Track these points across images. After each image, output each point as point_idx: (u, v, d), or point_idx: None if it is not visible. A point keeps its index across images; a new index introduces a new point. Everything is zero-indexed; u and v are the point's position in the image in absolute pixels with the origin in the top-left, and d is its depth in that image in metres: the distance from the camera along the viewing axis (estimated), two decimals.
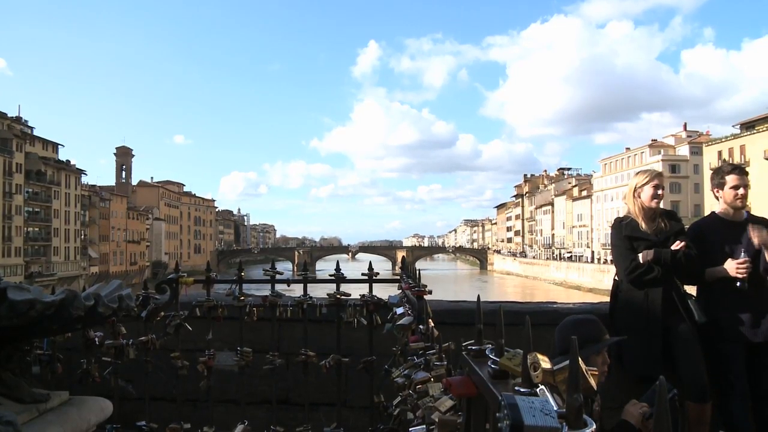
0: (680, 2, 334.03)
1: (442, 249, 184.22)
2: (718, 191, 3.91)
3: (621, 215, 4.01)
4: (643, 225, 3.82)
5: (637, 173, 4.02)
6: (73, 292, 2.22)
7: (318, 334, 3.52)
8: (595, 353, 2.72)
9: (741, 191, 3.82)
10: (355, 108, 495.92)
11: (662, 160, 78.71)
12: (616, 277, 3.91)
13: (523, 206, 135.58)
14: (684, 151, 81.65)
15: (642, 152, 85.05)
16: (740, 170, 3.94)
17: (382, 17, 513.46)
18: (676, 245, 3.67)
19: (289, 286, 3.63)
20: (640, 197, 3.86)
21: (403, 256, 4.46)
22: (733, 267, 3.65)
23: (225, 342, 3.43)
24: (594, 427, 1.00)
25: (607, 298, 4.02)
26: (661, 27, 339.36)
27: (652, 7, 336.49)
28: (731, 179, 3.84)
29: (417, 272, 3.13)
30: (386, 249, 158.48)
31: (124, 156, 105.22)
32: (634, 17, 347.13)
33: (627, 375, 3.78)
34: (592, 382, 1.25)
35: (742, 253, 3.66)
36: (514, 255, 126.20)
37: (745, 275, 3.62)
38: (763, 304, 3.71)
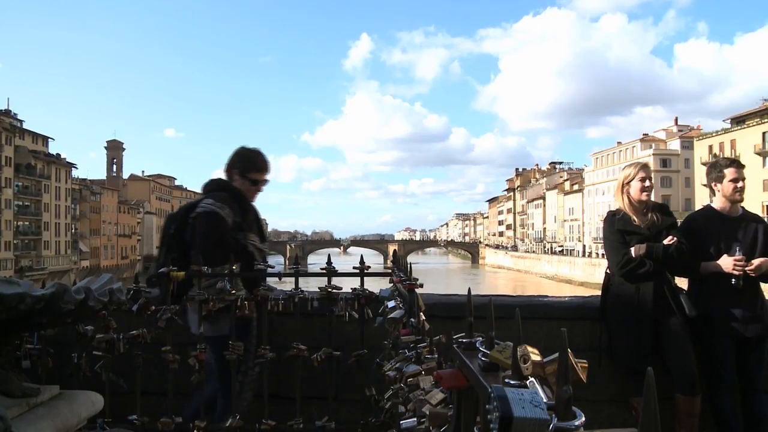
0: None
1: (433, 243, 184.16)
2: (716, 185, 3.91)
3: (614, 209, 4.02)
4: (635, 219, 3.84)
5: (624, 168, 4.04)
6: (64, 285, 2.20)
7: (309, 328, 3.52)
8: None
9: (740, 184, 3.84)
10: (347, 101, 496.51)
11: (653, 154, 79.00)
12: (608, 271, 3.92)
13: (514, 200, 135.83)
14: (675, 145, 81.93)
15: (633, 146, 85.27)
16: (738, 163, 3.96)
17: (374, 10, 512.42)
18: (668, 240, 3.68)
19: (280, 279, 3.63)
20: (629, 192, 3.87)
21: (395, 250, 4.46)
22: (730, 263, 3.65)
23: None
24: (583, 419, 1.01)
25: (599, 292, 4.04)
26: (655, 21, 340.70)
27: (646, 1, 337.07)
28: (730, 172, 3.85)
29: (408, 266, 3.13)
30: (378, 243, 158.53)
31: (114, 149, 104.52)
32: (628, 11, 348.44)
33: (617, 368, 3.81)
34: (582, 375, 1.25)
35: (738, 250, 3.67)
36: (505, 249, 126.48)
37: (741, 272, 3.64)
38: (755, 299, 3.73)
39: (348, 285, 3.39)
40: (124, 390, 3.21)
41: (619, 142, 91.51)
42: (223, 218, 3.53)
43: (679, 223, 3.95)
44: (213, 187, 3.76)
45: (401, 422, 1.83)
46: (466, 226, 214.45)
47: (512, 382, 1.18)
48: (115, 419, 3.21)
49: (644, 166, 3.94)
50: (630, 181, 3.88)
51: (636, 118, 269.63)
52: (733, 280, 3.65)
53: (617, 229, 3.84)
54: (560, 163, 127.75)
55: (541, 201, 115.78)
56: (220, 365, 3.37)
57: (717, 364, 3.67)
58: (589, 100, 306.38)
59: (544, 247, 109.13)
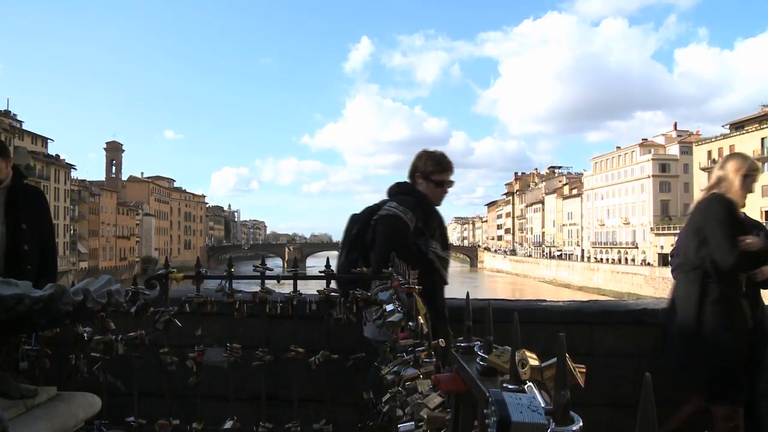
0: (675, 1, 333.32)
1: None
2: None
3: (719, 193, 3.68)
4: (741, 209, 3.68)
5: (748, 159, 3.75)
6: (62, 287, 2.20)
7: (307, 331, 3.52)
8: None
9: None
10: (347, 104, 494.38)
11: (652, 159, 79.18)
12: (705, 263, 3.59)
13: (513, 204, 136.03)
14: (674, 150, 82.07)
15: (632, 151, 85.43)
16: None
17: (375, 13, 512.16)
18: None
19: (279, 282, 3.62)
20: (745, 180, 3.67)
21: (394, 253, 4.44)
22: None
23: (214, 338, 3.42)
24: (581, 423, 1.01)
25: (597, 296, 4.04)
26: (656, 26, 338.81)
27: (647, 6, 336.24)
28: None
29: (407, 269, 3.13)
30: None
31: (114, 151, 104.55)
32: (629, 15, 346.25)
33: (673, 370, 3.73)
34: (580, 379, 1.25)
35: None
36: (504, 253, 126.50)
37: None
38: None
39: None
40: (121, 392, 3.21)
41: (618, 147, 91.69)
42: (405, 222, 3.52)
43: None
44: (398, 190, 3.77)
45: (399, 426, 1.83)
46: (465, 229, 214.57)
47: (510, 386, 1.18)
48: (112, 421, 3.21)
49: (758, 170, 3.76)
50: (749, 175, 3.66)
51: (636, 122, 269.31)
52: None
53: (739, 219, 3.63)
54: (559, 167, 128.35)
55: (540, 205, 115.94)
56: None
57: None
58: (590, 105, 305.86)
59: (543, 251, 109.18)
